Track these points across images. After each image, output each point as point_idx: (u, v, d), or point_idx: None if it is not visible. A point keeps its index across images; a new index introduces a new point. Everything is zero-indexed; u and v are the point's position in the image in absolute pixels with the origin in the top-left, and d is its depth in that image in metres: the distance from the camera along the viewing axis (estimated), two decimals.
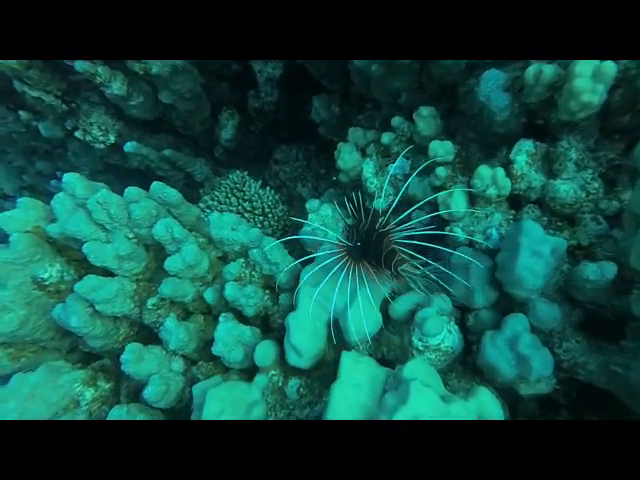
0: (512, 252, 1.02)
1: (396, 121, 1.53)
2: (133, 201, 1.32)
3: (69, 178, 1.33)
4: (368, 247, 1.22)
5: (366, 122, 1.99)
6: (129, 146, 2.11)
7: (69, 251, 1.47)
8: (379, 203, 1.49)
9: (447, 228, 1.30)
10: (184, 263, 1.33)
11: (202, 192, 2.37)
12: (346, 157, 1.63)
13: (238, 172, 2.27)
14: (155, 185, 1.39)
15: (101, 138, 2.11)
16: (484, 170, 1.18)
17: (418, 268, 1.15)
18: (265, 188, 2.19)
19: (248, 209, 2.13)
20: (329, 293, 1.25)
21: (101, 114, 2.11)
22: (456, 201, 1.24)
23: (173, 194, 1.43)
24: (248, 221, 2.07)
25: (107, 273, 1.37)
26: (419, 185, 1.49)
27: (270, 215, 2.12)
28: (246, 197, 2.16)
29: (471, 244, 1.25)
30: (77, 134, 2.09)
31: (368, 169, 1.57)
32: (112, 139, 2.14)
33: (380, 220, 1.23)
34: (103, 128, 2.11)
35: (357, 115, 2.03)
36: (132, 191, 1.35)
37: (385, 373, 1.07)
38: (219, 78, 2.30)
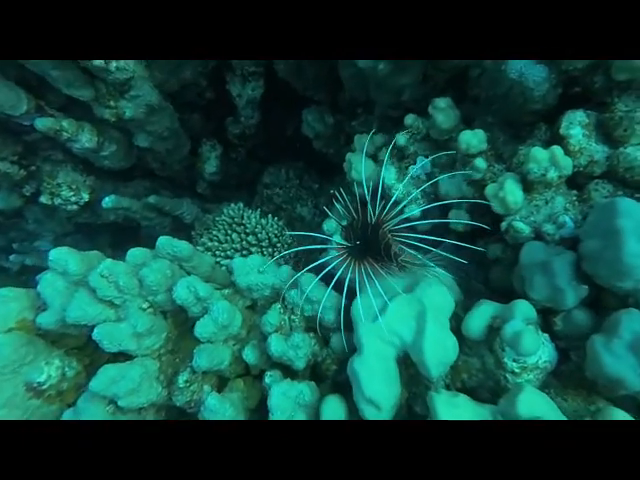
0: (608, 239, 0.89)
1: (410, 119, 1.40)
2: (142, 265, 1.11)
3: (58, 254, 1.11)
4: (367, 243, 1.21)
5: (361, 127, 1.86)
6: (108, 201, 1.88)
7: (66, 339, 1.24)
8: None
9: (503, 224, 1.16)
10: (217, 325, 1.13)
11: (195, 234, 2.17)
12: (359, 167, 1.48)
13: (233, 205, 2.08)
14: (163, 241, 1.19)
15: (73, 198, 1.88)
16: (539, 152, 1.05)
17: (417, 257, 1.14)
18: (267, 217, 2.01)
19: (253, 243, 1.94)
20: (393, 323, 1.09)
21: (68, 172, 1.88)
22: (511, 192, 1.10)
23: (184, 247, 1.23)
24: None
25: (118, 355, 1.15)
26: (450, 182, 1.35)
27: (279, 245, 1.94)
28: (248, 230, 1.97)
29: (538, 237, 1.11)
30: (42, 199, 1.84)
31: (390, 176, 1.42)
32: (85, 197, 1.91)
33: (370, 213, 1.21)
34: (74, 187, 1.87)
35: (350, 122, 1.90)
36: (137, 253, 1.15)
37: (491, 412, 0.91)
38: (192, 110, 2.12)
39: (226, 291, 1.27)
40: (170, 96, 1.82)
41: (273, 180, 2.44)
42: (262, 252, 1.94)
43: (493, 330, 1.09)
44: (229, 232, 1.97)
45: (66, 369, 1.19)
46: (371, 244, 1.19)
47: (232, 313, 1.17)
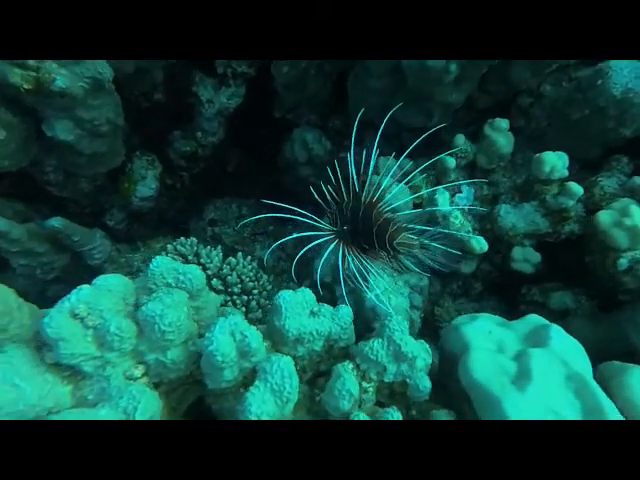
0: None
1: (461, 139, 1.25)
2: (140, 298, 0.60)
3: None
4: (356, 227, 1.18)
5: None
6: None
7: None
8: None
9: (622, 261, 1.02)
10: (283, 400, 0.66)
11: None
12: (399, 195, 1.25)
13: (182, 239, 1.58)
14: (161, 262, 0.72)
15: None
16: None
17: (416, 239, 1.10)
18: (235, 255, 1.56)
19: (219, 288, 1.45)
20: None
21: None
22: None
23: (195, 273, 0.76)
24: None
25: None
26: (517, 213, 1.20)
27: (256, 291, 1.49)
28: (210, 272, 1.48)
29: None
30: None
31: (444, 202, 1.20)
32: None
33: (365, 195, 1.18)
34: None
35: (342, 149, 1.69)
36: (120, 281, 0.63)
37: None
38: (127, 109, 1.61)
39: (265, 344, 0.80)
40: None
41: (221, 217, 2.00)
42: (233, 302, 1.47)
43: None
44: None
45: None
46: (362, 227, 1.16)
47: (295, 376, 0.71)
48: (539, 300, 1.16)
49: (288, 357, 0.70)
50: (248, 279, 1.51)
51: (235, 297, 1.47)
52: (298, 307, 0.83)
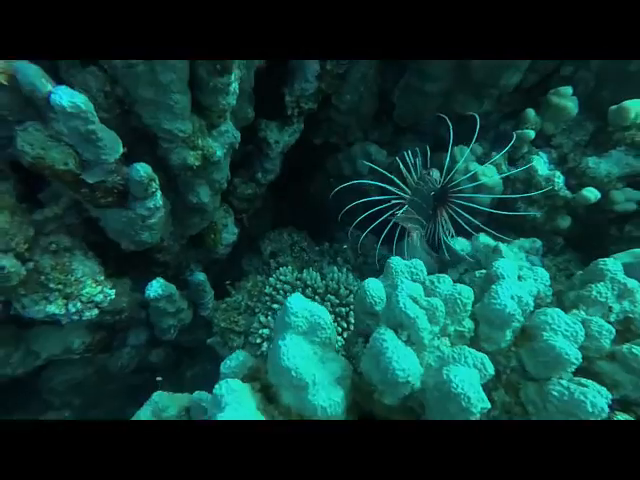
0: None
1: (531, 113, 1.56)
2: None
3: None
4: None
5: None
6: (157, 287, 1.28)
7: None
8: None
9: None
10: None
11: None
12: (487, 171, 1.59)
13: (282, 269, 1.78)
14: None
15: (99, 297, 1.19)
16: None
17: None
18: (332, 270, 1.78)
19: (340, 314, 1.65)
20: None
21: (82, 260, 1.20)
22: None
23: None
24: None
25: None
26: (612, 161, 1.43)
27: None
28: (321, 290, 1.69)
29: None
30: (52, 309, 1.09)
31: (542, 167, 1.53)
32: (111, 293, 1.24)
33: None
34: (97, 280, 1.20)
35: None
36: None
37: None
38: None
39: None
40: None
41: (278, 248, 2.18)
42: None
43: None
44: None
45: None
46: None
47: None
48: (635, 234, 1.42)
49: None
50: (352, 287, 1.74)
51: (352, 306, 1.69)
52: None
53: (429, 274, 0.93)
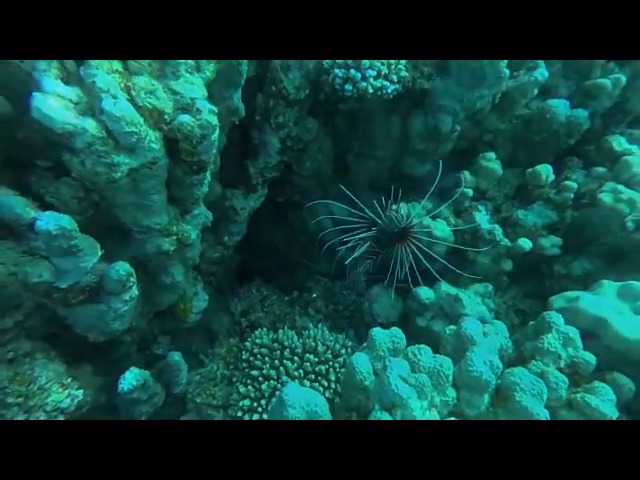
0: None
1: (467, 175, 1.76)
2: None
3: None
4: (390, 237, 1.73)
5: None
6: (130, 378, 1.26)
7: None
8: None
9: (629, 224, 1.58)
10: None
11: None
12: (439, 225, 1.75)
13: (257, 332, 1.81)
14: None
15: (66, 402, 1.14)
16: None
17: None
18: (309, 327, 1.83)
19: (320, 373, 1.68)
20: None
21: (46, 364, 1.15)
22: None
23: None
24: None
25: None
26: (534, 213, 1.74)
27: (343, 350, 1.79)
28: (299, 351, 1.73)
29: None
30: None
31: (483, 220, 1.73)
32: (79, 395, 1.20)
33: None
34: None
35: None
36: None
37: None
38: None
39: None
40: None
41: (246, 305, 2.20)
42: (332, 367, 1.72)
43: None
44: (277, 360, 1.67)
45: None
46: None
47: None
48: (562, 272, 1.71)
49: None
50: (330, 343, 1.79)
51: (331, 363, 1.74)
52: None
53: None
